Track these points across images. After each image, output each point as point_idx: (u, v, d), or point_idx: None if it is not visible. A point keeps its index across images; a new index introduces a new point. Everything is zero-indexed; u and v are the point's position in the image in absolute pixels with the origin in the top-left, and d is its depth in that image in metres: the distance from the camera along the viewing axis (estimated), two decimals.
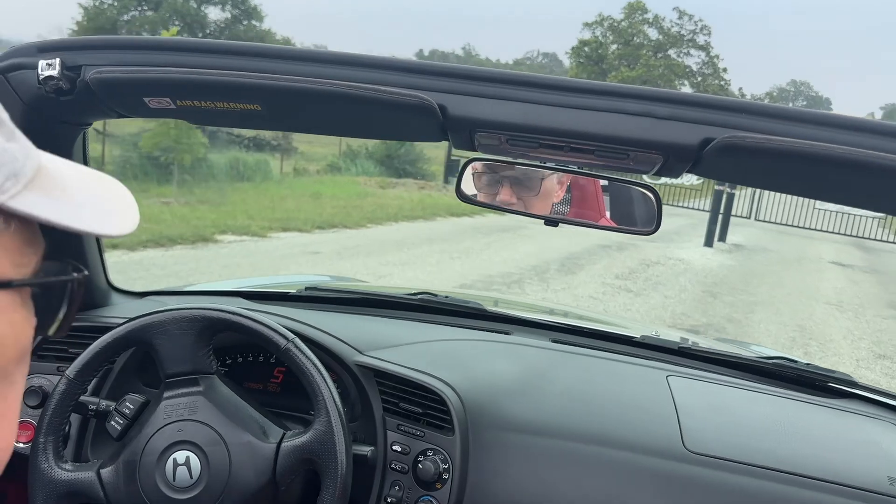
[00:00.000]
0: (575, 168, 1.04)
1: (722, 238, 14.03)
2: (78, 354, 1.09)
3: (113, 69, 0.95)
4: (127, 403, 1.11)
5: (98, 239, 1.34)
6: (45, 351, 1.29)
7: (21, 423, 1.20)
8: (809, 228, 18.60)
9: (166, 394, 1.07)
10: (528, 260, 9.22)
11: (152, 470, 1.02)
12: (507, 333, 1.59)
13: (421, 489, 1.16)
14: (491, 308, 1.73)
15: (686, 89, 42.75)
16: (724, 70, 41.87)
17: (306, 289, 1.71)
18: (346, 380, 1.26)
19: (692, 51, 41.29)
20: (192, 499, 1.01)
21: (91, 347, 1.09)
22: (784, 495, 1.13)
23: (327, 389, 1.07)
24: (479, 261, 8.75)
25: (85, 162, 1.22)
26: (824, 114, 0.85)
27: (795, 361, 1.59)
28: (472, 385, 1.27)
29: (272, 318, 1.13)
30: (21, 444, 1.22)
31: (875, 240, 17.88)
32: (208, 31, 31.92)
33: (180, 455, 1.03)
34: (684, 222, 16.89)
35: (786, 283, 10.28)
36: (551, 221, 1.09)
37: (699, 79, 40.85)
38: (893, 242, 18.25)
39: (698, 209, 19.98)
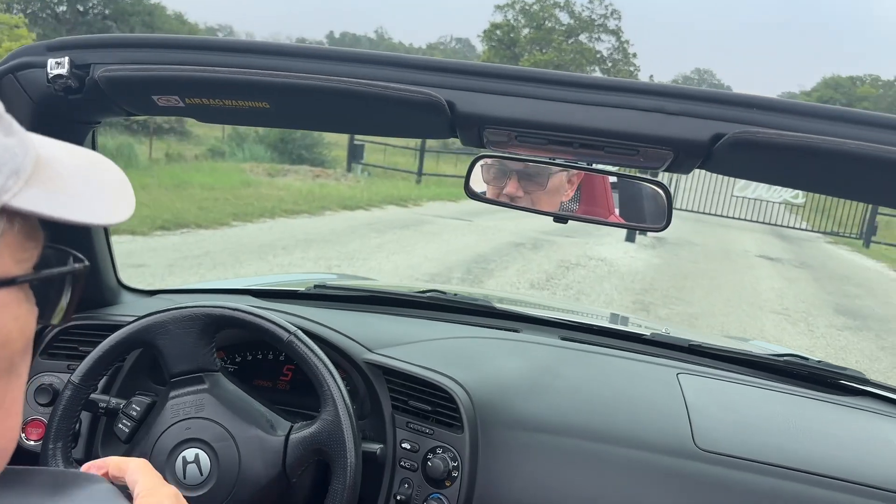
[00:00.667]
0: (584, 164, 1.05)
1: (631, 236, 12.52)
2: (88, 353, 1.11)
3: (122, 67, 0.95)
4: (133, 405, 1.13)
5: (107, 236, 1.37)
6: (55, 349, 1.30)
7: (32, 420, 1.24)
8: (725, 216, 17.50)
9: (172, 393, 1.09)
10: (426, 266, 7.46)
11: (162, 469, 1.03)
12: (515, 331, 1.62)
13: (430, 487, 1.17)
14: (500, 306, 1.75)
15: (598, 75, 42.01)
16: (634, 56, 41.25)
17: (315, 287, 1.72)
18: (355, 377, 1.28)
19: (603, 35, 40.83)
20: (203, 496, 1.03)
21: (94, 351, 1.11)
22: (795, 493, 1.15)
23: (332, 380, 1.08)
24: (363, 270, 6.88)
25: None
26: (836, 109, 0.86)
27: (807, 359, 1.61)
28: (481, 383, 1.29)
29: (281, 316, 1.15)
30: (32, 442, 1.24)
31: (788, 227, 18.14)
32: (90, 5, 28.26)
33: (189, 453, 1.05)
34: None
35: (721, 285, 9.39)
36: (560, 218, 1.11)
37: (610, 64, 40.21)
38: (805, 230, 18.48)
39: None
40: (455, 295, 1.73)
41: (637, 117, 0.87)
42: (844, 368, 1.56)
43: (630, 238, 12.05)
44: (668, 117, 0.87)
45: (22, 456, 1.23)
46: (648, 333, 1.66)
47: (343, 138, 18.62)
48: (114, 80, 0.95)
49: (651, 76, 58.33)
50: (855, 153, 0.81)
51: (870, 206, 17.44)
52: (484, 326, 1.61)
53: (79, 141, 1.15)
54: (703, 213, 18.18)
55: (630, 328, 1.76)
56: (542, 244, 10.41)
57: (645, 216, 1.12)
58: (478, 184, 1.13)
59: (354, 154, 18.39)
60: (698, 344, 1.61)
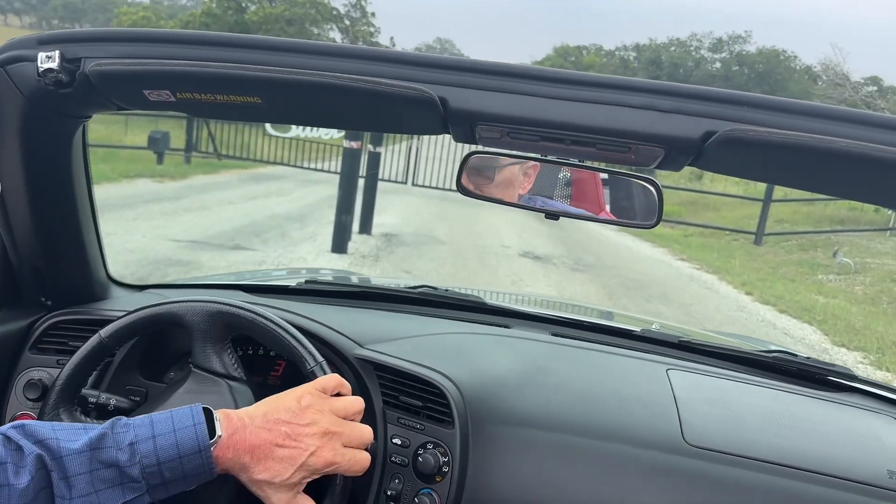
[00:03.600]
0: (576, 161, 1.02)
1: (365, 228, 7.72)
2: (78, 348, 1.07)
3: (113, 62, 0.91)
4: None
5: (97, 230, 1.29)
6: (44, 344, 1.25)
7: (20, 415, 1.20)
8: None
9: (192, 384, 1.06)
10: None
11: None
12: (506, 327, 1.57)
13: (421, 482, 1.13)
14: (491, 301, 1.68)
15: (335, 34, 37.06)
16: (373, 15, 37.03)
17: (306, 282, 1.66)
18: (345, 373, 1.22)
19: None
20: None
21: (130, 316, 1.08)
22: (783, 489, 1.12)
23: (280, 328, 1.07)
24: None
25: (85, 154, 1.20)
26: (828, 107, 0.83)
27: (795, 355, 1.57)
28: (472, 378, 1.25)
29: (271, 311, 1.11)
30: None
31: None
32: None
33: None
34: (321, 195, 10.27)
35: None
36: (552, 215, 1.07)
37: (347, 23, 35.36)
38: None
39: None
40: (446, 291, 1.68)
41: (629, 114, 0.84)
42: (833, 365, 1.53)
43: (340, 248, 7.27)
44: (660, 115, 0.83)
45: None
46: (639, 329, 1.62)
47: None
48: (105, 75, 0.91)
49: (391, 38, 55.22)
50: (846, 151, 0.78)
51: None
52: (475, 322, 1.57)
53: (69, 135, 1.12)
54: (448, 189, 14.15)
55: (620, 324, 1.70)
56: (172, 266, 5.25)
57: (636, 213, 1.06)
58: (470, 181, 1.09)
59: None
60: (688, 340, 1.57)
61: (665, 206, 1.05)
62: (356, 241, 8.10)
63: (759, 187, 15.54)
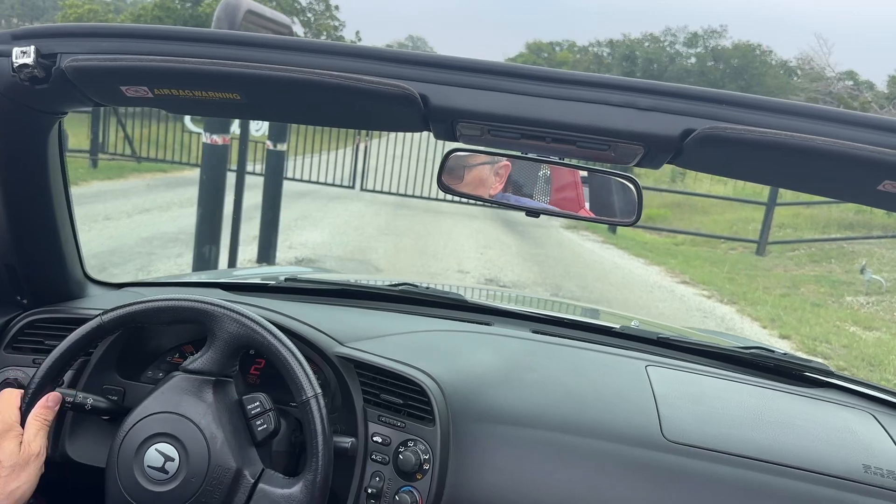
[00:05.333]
0: (556, 159, 1.01)
1: (265, 255, 5.35)
2: (54, 346, 1.04)
3: (89, 57, 0.89)
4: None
5: (73, 228, 1.27)
6: (20, 343, 1.23)
7: None
8: (427, 198, 12.24)
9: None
10: None
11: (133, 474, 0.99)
12: (487, 324, 1.57)
13: (402, 480, 1.13)
14: (472, 299, 1.68)
15: (297, 28, 34.69)
16: (337, 8, 34.91)
17: (286, 280, 1.65)
18: (326, 371, 1.22)
19: None
20: (176, 488, 0.97)
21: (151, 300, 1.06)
22: (761, 484, 1.12)
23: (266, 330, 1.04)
24: None
25: (62, 151, 1.18)
26: (805, 105, 0.83)
27: (773, 351, 1.57)
28: (453, 376, 1.25)
29: (251, 309, 1.08)
30: None
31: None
32: None
33: (155, 453, 0.98)
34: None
35: None
36: (532, 212, 1.06)
37: (310, 16, 33.32)
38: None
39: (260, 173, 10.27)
40: (427, 288, 1.67)
41: (609, 112, 0.84)
42: (809, 361, 1.52)
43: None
44: (640, 113, 0.84)
45: None
46: (618, 326, 1.62)
47: None
48: (81, 70, 0.90)
49: (357, 32, 52.76)
50: (822, 150, 0.79)
51: None
52: (456, 320, 1.57)
53: (45, 131, 1.10)
54: (400, 194, 11.91)
55: (600, 321, 1.70)
56: None
57: (615, 210, 1.06)
58: (450, 178, 1.07)
59: None
60: (667, 337, 1.58)
61: (650, 209, 1.29)
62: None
63: (749, 187, 13.54)
